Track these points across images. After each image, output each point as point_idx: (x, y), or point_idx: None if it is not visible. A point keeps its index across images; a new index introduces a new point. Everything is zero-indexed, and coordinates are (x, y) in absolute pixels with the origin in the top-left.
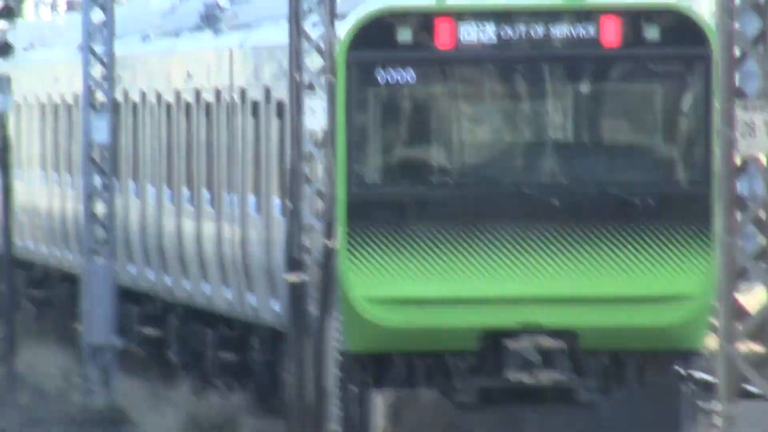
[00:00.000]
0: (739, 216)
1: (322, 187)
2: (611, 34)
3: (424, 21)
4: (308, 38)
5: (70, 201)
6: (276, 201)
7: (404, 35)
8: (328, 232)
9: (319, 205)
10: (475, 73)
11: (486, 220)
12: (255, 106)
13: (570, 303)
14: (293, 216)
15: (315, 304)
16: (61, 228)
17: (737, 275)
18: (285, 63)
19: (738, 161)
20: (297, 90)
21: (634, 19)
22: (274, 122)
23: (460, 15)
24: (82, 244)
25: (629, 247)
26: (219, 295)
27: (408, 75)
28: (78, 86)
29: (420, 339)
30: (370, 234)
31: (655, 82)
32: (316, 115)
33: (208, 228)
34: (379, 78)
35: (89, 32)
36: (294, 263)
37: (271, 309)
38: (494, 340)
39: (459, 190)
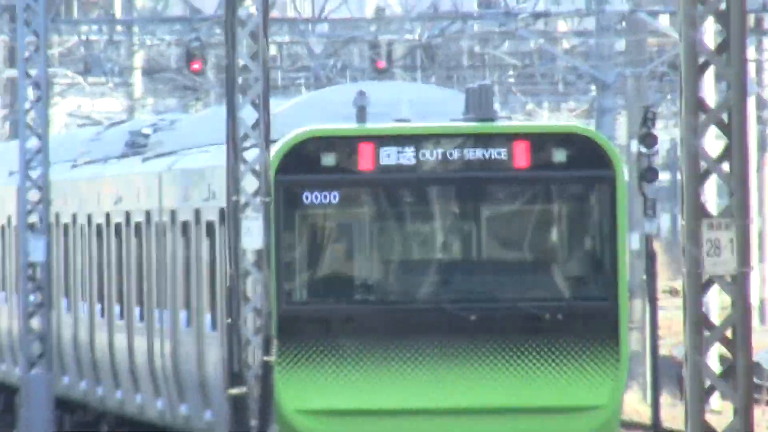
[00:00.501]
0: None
1: (258, 303)
2: (521, 157)
3: (346, 145)
4: (244, 161)
5: (2, 316)
6: (207, 316)
7: (327, 159)
8: (266, 347)
9: (256, 321)
10: (394, 194)
11: (405, 335)
12: (185, 225)
13: (486, 414)
14: (232, 331)
15: (255, 415)
16: None
17: (705, 392)
18: (214, 185)
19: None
20: (234, 210)
21: (542, 143)
22: (205, 242)
23: (380, 139)
24: (18, 356)
25: (541, 360)
26: (151, 405)
27: (332, 196)
28: (8, 209)
29: None
30: (298, 348)
31: (564, 202)
32: (252, 235)
33: (139, 341)
34: (305, 199)
35: (26, 159)
36: (235, 377)
37: (204, 419)
38: None
39: (379, 307)
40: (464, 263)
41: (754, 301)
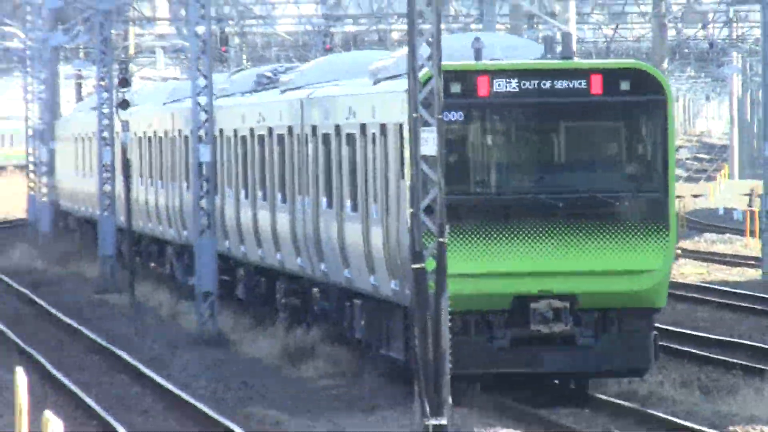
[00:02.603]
0: None
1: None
2: (596, 86)
3: (468, 77)
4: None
5: (162, 198)
6: (347, 201)
7: (455, 87)
8: (440, 231)
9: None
10: (503, 113)
11: (513, 218)
12: (326, 137)
13: (572, 275)
14: (414, 219)
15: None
16: (155, 213)
17: None
18: (354, 107)
19: None
20: (415, 125)
21: (612, 75)
22: (345, 149)
23: (493, 73)
24: (179, 225)
25: (612, 235)
26: (292, 261)
27: (458, 115)
28: (165, 126)
29: (470, 301)
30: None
31: (628, 119)
32: (428, 144)
33: (282, 217)
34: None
35: (196, 92)
36: (416, 255)
37: (343, 275)
38: (521, 302)
39: (494, 197)
40: (555, 164)
41: None
